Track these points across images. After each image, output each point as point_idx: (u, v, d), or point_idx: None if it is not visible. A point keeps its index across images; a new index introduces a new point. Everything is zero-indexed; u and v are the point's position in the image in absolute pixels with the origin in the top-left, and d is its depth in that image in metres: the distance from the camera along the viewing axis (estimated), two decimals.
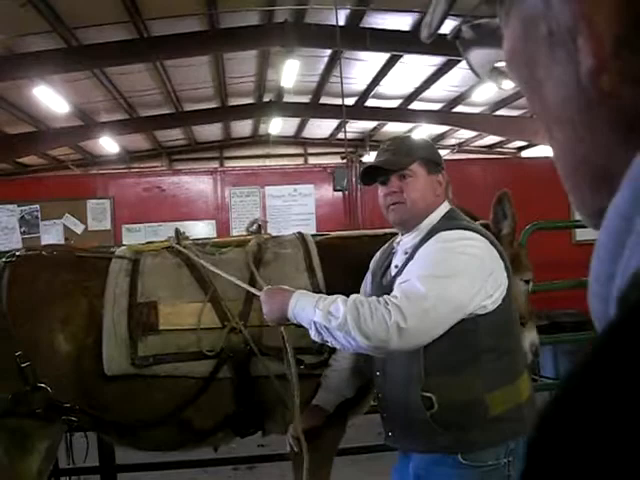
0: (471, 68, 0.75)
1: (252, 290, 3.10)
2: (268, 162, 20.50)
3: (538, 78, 0.57)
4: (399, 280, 2.50)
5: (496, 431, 2.48)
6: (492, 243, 2.56)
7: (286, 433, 3.43)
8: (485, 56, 0.76)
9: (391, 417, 2.77)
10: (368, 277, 3.01)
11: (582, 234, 8.67)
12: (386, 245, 2.96)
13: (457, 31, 0.75)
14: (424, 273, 2.38)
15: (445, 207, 2.73)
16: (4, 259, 3.49)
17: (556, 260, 7.46)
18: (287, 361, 2.99)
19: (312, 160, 22.89)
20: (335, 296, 2.47)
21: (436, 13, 0.64)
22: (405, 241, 2.74)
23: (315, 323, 2.45)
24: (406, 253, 2.68)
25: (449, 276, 2.38)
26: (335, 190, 9.42)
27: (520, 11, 0.57)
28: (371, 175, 2.82)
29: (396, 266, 2.72)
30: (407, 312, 2.28)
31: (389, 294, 2.53)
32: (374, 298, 2.41)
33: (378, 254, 2.99)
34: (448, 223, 2.60)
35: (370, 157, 15.71)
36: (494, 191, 3.16)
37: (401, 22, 12.30)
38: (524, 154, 22.70)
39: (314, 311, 2.44)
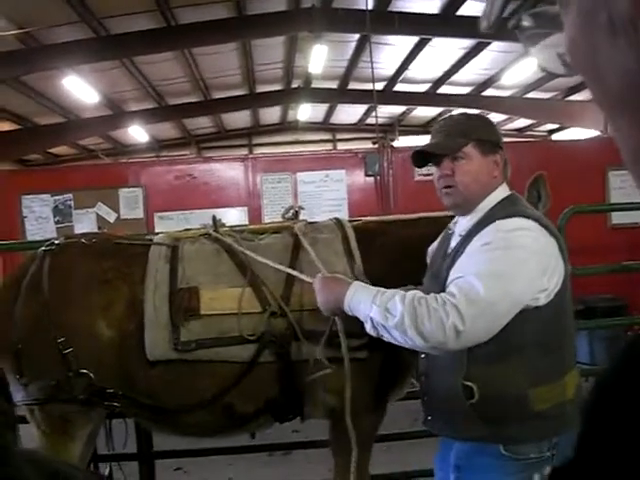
0: (533, 57, 0.74)
1: (303, 277, 3.09)
2: (297, 148, 20.49)
3: (599, 66, 0.56)
4: (455, 273, 2.45)
5: (537, 428, 2.42)
6: (550, 232, 2.49)
7: (325, 418, 3.45)
8: (546, 45, 0.74)
9: (431, 401, 2.75)
10: (429, 261, 2.97)
11: (618, 217, 8.56)
12: (443, 232, 2.91)
13: (517, 20, 0.74)
14: (482, 270, 2.33)
15: (504, 190, 2.67)
16: (43, 248, 3.52)
17: (592, 244, 7.38)
18: (343, 350, 2.98)
19: (341, 146, 22.86)
20: (393, 291, 2.44)
21: (495, 3, 0.63)
22: (461, 223, 2.70)
23: (372, 319, 2.43)
24: (461, 236, 2.64)
25: (507, 274, 2.33)
26: (367, 175, 9.38)
27: (579, 1, 0.55)
28: (422, 157, 2.76)
29: (452, 248, 2.68)
30: (465, 314, 2.25)
31: (444, 279, 2.51)
32: (432, 296, 2.36)
33: (436, 242, 2.94)
34: (506, 209, 2.54)
35: (400, 142, 15.65)
36: (527, 174, 3.11)
37: (430, 5, 12.18)
38: (555, 137, 22.47)
39: (371, 307, 2.42)
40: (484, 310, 2.28)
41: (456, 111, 19.03)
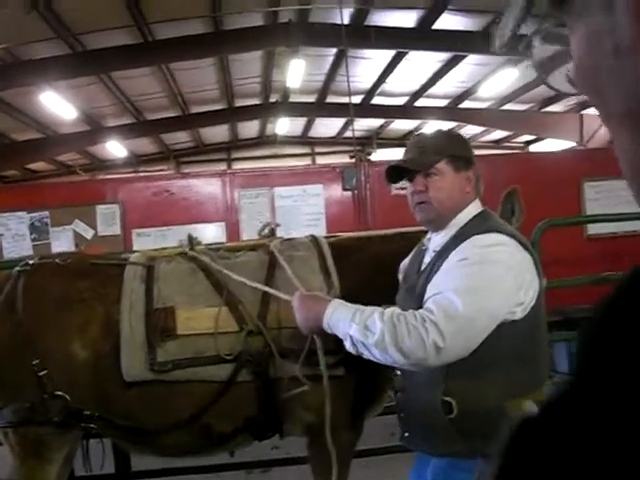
0: (542, 78, 0.76)
1: (280, 295, 3.08)
2: (276, 162, 20.51)
3: (603, 86, 0.59)
4: (432, 289, 2.45)
5: None
6: (525, 247, 2.51)
7: (304, 435, 3.44)
8: (555, 65, 0.77)
9: (409, 417, 2.74)
10: (400, 281, 2.98)
11: (594, 228, 8.62)
12: (416, 247, 2.92)
13: (528, 42, 0.76)
14: (459, 286, 2.33)
15: (477, 207, 2.68)
16: (18, 268, 3.50)
17: (569, 255, 7.42)
18: (322, 368, 2.98)
19: (320, 159, 22.90)
20: (371, 309, 2.44)
21: (508, 25, 0.64)
22: (435, 239, 2.71)
23: (351, 337, 2.42)
24: (435, 252, 2.66)
25: (484, 289, 2.33)
26: (344, 190, 9.38)
27: (586, 25, 0.58)
28: (397, 173, 2.77)
29: (426, 264, 2.69)
30: (445, 330, 2.25)
31: (419, 295, 2.52)
32: (411, 313, 2.36)
33: (408, 258, 2.95)
34: (481, 225, 2.55)
35: (378, 155, 15.69)
36: (502, 187, 3.11)
37: (406, 19, 12.27)
38: (532, 148, 22.65)
39: (350, 325, 2.42)
40: (463, 326, 2.28)
41: (433, 123, 19.24)
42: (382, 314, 2.38)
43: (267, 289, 3.23)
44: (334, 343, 2.84)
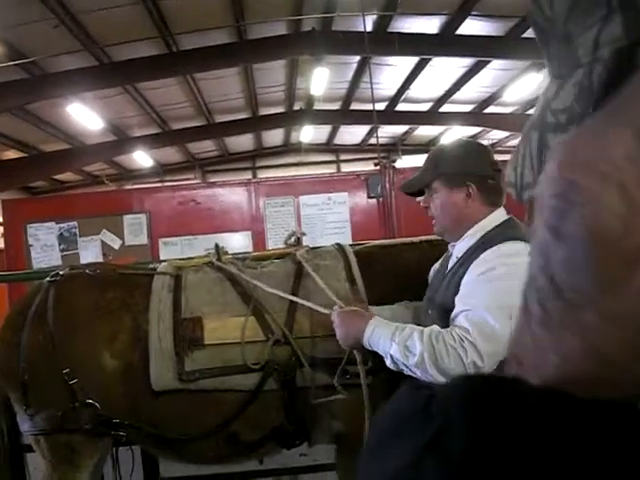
0: None
1: (319, 309, 3.10)
2: (301, 170, 20.57)
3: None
4: (462, 304, 2.47)
5: None
6: None
7: (332, 443, 3.46)
8: None
9: None
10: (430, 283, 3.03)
11: None
12: (445, 253, 2.96)
13: None
14: (491, 303, 2.35)
15: (502, 214, 2.71)
16: (48, 279, 3.55)
17: None
18: (362, 379, 3.00)
19: (344, 166, 22.94)
20: (411, 328, 2.49)
21: (525, 172, 0.62)
22: (458, 246, 2.75)
23: (391, 356, 2.48)
24: (457, 257, 2.69)
25: (515, 305, 2.33)
26: (369, 197, 9.40)
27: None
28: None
29: (448, 270, 2.74)
30: (482, 350, 2.30)
31: (440, 304, 2.59)
32: (448, 332, 2.39)
33: (439, 261, 2.99)
34: (504, 233, 2.57)
35: (403, 162, 15.69)
36: None
37: (429, 25, 12.28)
38: None
39: (390, 344, 2.48)
40: (498, 345, 2.31)
41: (458, 129, 19.19)
42: (421, 334, 2.42)
43: (305, 302, 3.23)
44: (359, 353, 2.91)
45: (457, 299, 2.50)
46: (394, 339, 2.47)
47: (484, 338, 2.32)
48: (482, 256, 2.51)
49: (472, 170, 2.73)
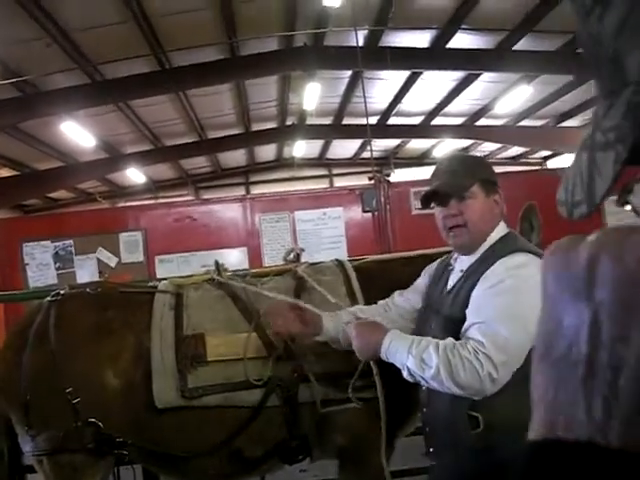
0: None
1: (342, 319, 3.10)
2: (294, 185, 20.58)
3: None
4: (473, 317, 2.49)
5: None
6: None
7: (334, 458, 3.47)
8: None
9: (434, 432, 2.78)
10: (420, 290, 3.03)
11: None
12: (441, 262, 2.97)
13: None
14: (502, 315, 2.39)
15: (503, 229, 2.73)
16: (49, 298, 3.56)
17: None
18: (378, 392, 3.01)
19: (337, 181, 22.96)
20: (427, 341, 2.51)
21: (602, 179, 0.61)
22: (462, 259, 2.76)
23: (408, 368, 2.51)
24: (462, 271, 2.71)
25: (524, 316, 2.34)
26: (364, 211, 9.43)
27: None
28: (429, 198, 2.80)
29: (452, 285, 2.75)
30: (497, 361, 2.34)
31: (447, 316, 2.62)
32: (463, 345, 2.42)
33: (433, 266, 3.00)
34: (508, 246, 2.60)
35: (395, 175, 15.73)
36: (521, 204, 3.14)
37: (419, 39, 12.35)
38: (549, 163, 22.62)
39: (407, 356, 2.50)
40: (512, 355, 2.34)
41: (450, 142, 19.24)
42: (437, 347, 2.45)
43: (315, 310, 3.22)
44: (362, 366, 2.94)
45: (468, 312, 2.53)
46: (411, 351, 2.49)
47: (498, 349, 2.35)
48: (490, 270, 2.54)
49: (496, 180, 2.78)
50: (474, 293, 2.55)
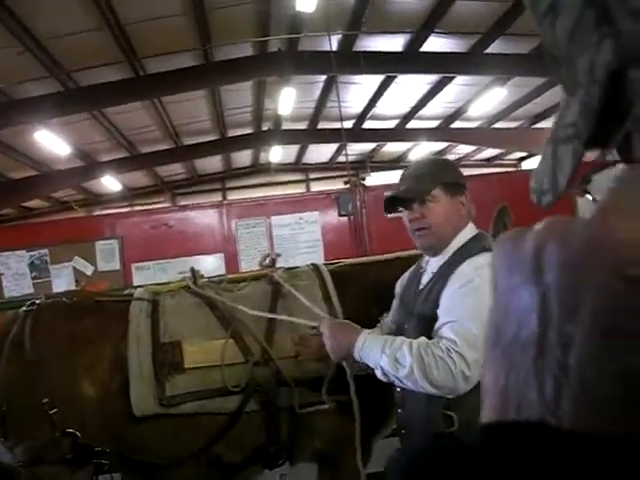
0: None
1: (307, 322, 3.13)
2: (270, 190, 20.58)
3: None
4: (445, 316, 2.52)
5: None
6: None
7: (313, 462, 3.47)
8: None
9: (410, 433, 2.80)
10: (396, 297, 3.06)
11: None
12: (413, 267, 3.00)
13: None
14: (472, 313, 2.40)
15: (472, 230, 2.78)
16: (25, 308, 3.53)
17: None
18: (351, 393, 3.03)
19: (314, 185, 23.00)
20: (400, 340, 2.54)
21: (562, 170, 0.66)
22: (433, 262, 2.80)
23: (382, 367, 2.53)
24: (433, 273, 2.75)
25: None
26: (340, 215, 9.45)
27: None
28: (393, 203, 2.87)
29: (423, 285, 2.79)
30: (470, 359, 2.36)
31: (418, 315, 2.65)
32: (436, 343, 2.45)
33: (406, 275, 3.03)
34: (477, 246, 2.64)
35: (372, 179, 15.78)
36: (495, 206, 3.17)
37: (393, 43, 12.41)
38: (524, 165, 22.79)
39: (381, 356, 2.52)
40: (483, 352, 2.35)
41: (426, 145, 19.34)
42: (410, 346, 2.48)
43: (292, 319, 3.25)
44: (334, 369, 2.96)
45: (440, 312, 2.56)
46: (384, 351, 2.51)
47: (470, 347, 2.38)
48: (459, 269, 2.57)
49: (463, 181, 2.84)
50: (444, 293, 2.58)
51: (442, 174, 2.79)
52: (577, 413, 0.47)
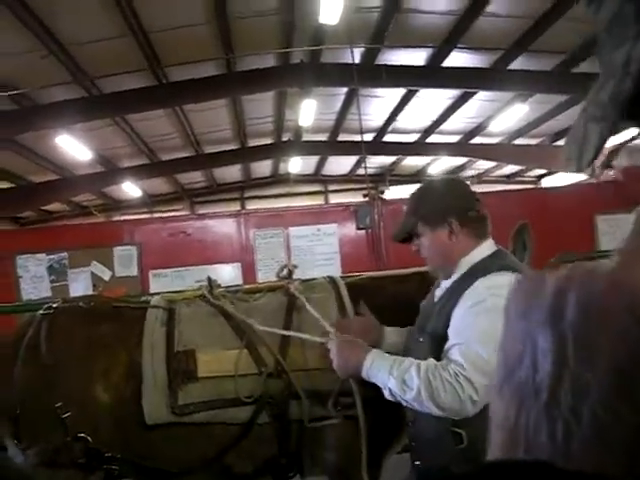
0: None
1: (316, 339, 3.13)
2: (289, 201, 20.62)
3: None
4: (454, 338, 2.52)
5: None
6: None
7: (324, 475, 3.46)
8: None
9: (420, 447, 2.80)
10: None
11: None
12: (437, 282, 3.01)
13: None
14: (483, 337, 2.38)
15: (490, 246, 2.76)
16: (41, 312, 3.55)
17: None
18: (358, 409, 3.03)
19: (332, 197, 23.01)
20: (409, 362, 2.54)
21: (588, 148, 0.66)
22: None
23: (390, 389, 2.53)
24: (446, 288, 2.76)
25: None
26: (358, 228, 9.43)
27: None
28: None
29: (436, 301, 2.80)
30: (478, 384, 2.36)
31: (430, 334, 2.65)
32: (444, 367, 2.45)
33: (432, 290, 3.03)
34: (493, 264, 2.62)
35: (391, 192, 15.77)
36: (515, 223, 3.15)
37: (415, 57, 12.43)
38: (544, 182, 22.69)
39: (388, 377, 2.53)
40: (493, 377, 2.33)
41: (446, 159, 19.30)
42: (418, 369, 2.48)
43: (300, 335, 3.26)
44: (346, 384, 2.98)
45: (450, 331, 2.55)
46: (392, 372, 2.52)
47: (478, 372, 2.37)
48: (472, 287, 2.55)
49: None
50: (455, 311, 2.57)
51: (420, 207, 2.84)
52: (587, 456, 0.47)
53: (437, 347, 2.58)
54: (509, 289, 2.20)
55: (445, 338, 2.55)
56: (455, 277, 2.71)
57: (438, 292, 2.83)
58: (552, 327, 0.52)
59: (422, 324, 2.84)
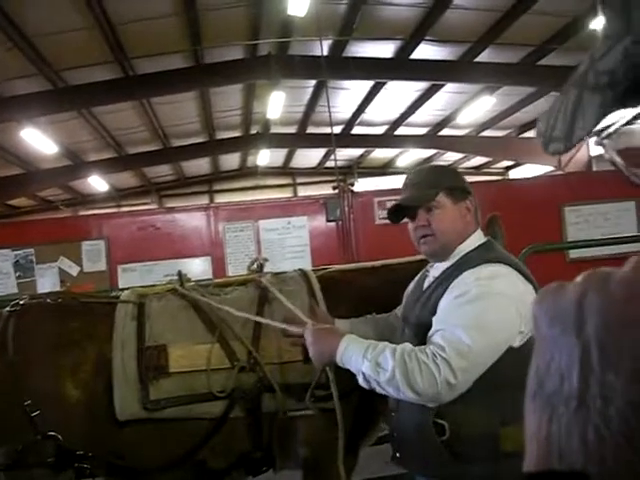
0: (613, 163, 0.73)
1: (290, 328, 3.08)
2: (258, 194, 20.58)
3: None
4: (438, 324, 2.48)
5: (507, 469, 2.26)
6: (527, 278, 2.54)
7: (298, 468, 3.45)
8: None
9: (401, 438, 2.76)
10: (403, 299, 3.03)
11: (576, 252, 8.73)
12: (422, 270, 2.97)
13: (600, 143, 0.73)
14: (467, 323, 2.36)
15: (479, 237, 2.74)
16: (8, 308, 3.49)
17: (551, 279, 7.49)
18: (335, 399, 2.99)
19: (301, 190, 23.03)
20: (383, 345, 2.47)
21: (578, 129, 0.62)
22: (437, 265, 2.77)
23: (363, 373, 2.45)
24: (434, 277, 2.72)
25: (491, 324, 2.38)
26: (328, 221, 9.42)
27: None
28: (399, 211, 2.81)
29: (424, 291, 2.75)
30: (456, 367, 2.30)
31: (416, 323, 2.62)
32: (422, 349, 2.40)
33: (415, 279, 3.00)
34: (482, 256, 2.60)
35: (360, 185, 15.80)
36: (485, 214, 3.16)
37: (383, 50, 12.45)
38: (511, 173, 22.90)
39: (363, 361, 2.44)
40: (473, 362, 2.33)
41: (413, 151, 19.40)
42: (394, 351, 2.40)
43: (274, 323, 3.21)
44: (322, 377, 2.93)
45: (434, 320, 2.52)
46: (366, 356, 2.44)
47: (459, 355, 2.32)
48: (459, 278, 2.53)
49: (467, 186, 2.79)
50: (441, 302, 2.54)
51: (445, 180, 2.75)
52: (619, 460, 0.46)
53: (422, 337, 2.53)
54: (496, 281, 2.19)
55: (430, 327, 2.52)
56: (447, 265, 2.68)
57: (426, 283, 2.80)
58: (576, 336, 0.51)
59: (406, 315, 2.82)
